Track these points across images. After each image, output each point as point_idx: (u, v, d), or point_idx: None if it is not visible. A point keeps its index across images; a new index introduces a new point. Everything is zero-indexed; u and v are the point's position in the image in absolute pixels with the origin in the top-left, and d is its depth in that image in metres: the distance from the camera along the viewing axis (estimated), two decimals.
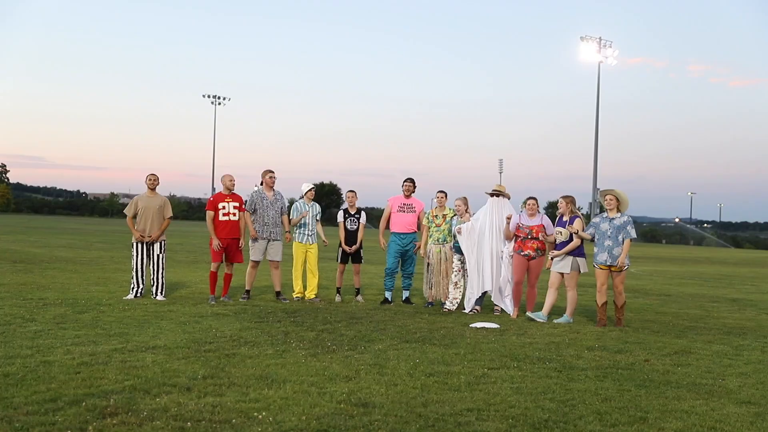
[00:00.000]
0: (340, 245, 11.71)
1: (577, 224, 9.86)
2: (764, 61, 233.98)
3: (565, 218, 10.02)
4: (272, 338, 7.72)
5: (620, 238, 9.57)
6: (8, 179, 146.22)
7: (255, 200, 11.14)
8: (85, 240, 30.09)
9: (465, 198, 10.92)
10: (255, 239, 11.07)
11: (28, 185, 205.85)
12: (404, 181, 11.73)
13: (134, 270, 10.69)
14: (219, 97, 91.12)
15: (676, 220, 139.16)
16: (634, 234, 9.67)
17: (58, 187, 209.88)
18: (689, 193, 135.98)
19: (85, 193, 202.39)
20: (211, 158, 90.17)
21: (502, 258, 10.56)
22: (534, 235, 10.23)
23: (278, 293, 11.24)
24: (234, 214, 10.82)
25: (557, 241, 9.97)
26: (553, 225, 10.12)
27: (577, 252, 9.92)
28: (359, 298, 11.61)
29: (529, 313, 10.04)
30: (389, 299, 11.44)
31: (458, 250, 10.82)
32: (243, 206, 10.97)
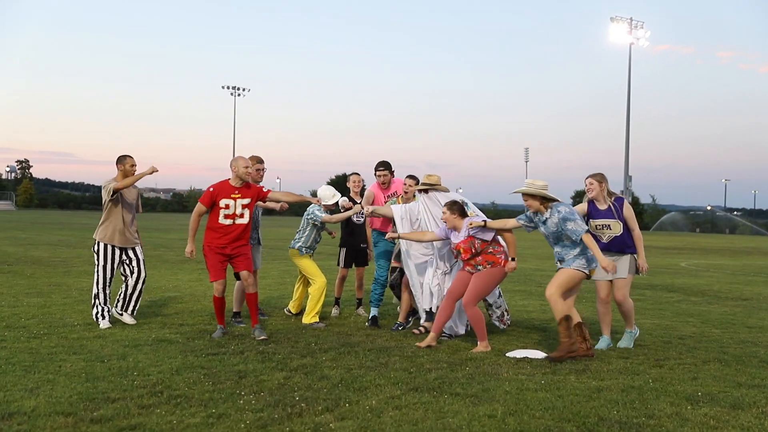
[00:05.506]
0: (341, 245, 9.10)
1: (627, 212, 7.07)
2: None
3: (602, 205, 7.09)
4: (215, 386, 5.20)
5: (565, 239, 6.66)
6: (31, 174, 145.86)
7: None
8: (81, 236, 27.82)
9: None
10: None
11: (57, 181, 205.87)
12: (377, 168, 8.63)
13: (100, 284, 7.67)
14: (238, 89, 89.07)
15: (708, 207, 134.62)
16: (581, 227, 6.51)
17: (86, 183, 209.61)
18: (723, 180, 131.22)
19: None
20: (231, 151, 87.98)
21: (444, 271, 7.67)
22: (464, 255, 7.08)
23: (236, 314, 8.27)
24: (241, 216, 7.27)
25: (607, 239, 7.04)
26: (583, 217, 7.09)
27: (631, 244, 7.08)
28: (360, 310, 9.06)
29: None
30: (377, 319, 8.30)
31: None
32: (254, 203, 7.44)
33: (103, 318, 7.62)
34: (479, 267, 7.03)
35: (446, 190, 7.73)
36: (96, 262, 7.74)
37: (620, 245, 7.04)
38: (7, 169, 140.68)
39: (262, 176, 8.14)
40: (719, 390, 5.44)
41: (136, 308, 7.96)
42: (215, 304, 7.33)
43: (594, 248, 6.46)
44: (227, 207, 7.19)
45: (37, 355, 6.07)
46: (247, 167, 7.26)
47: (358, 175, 9.16)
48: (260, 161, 8.25)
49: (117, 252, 7.73)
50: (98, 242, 7.74)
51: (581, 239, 6.50)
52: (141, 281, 7.91)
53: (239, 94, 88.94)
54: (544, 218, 6.72)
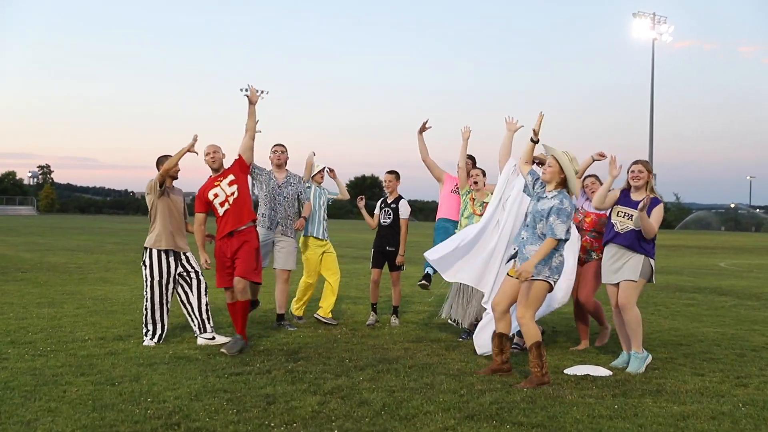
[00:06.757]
0: (372, 246, 8.48)
1: (657, 214, 6.09)
2: None
3: (637, 196, 6.16)
4: (240, 415, 4.52)
5: (539, 231, 5.61)
6: (53, 179, 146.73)
7: (258, 176, 7.92)
8: (99, 240, 27.35)
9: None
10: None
11: (79, 186, 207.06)
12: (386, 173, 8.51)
13: (155, 299, 6.83)
14: (257, 91, 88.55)
15: (732, 205, 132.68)
16: (560, 232, 5.50)
17: (107, 187, 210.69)
18: (748, 177, 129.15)
19: (132, 192, 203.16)
20: None
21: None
22: (589, 226, 6.76)
23: (280, 317, 8.04)
24: (233, 194, 6.74)
25: (621, 230, 6.13)
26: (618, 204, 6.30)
27: (650, 247, 6.14)
28: (394, 320, 8.34)
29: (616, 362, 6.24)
30: (431, 275, 7.87)
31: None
32: (244, 176, 6.97)
33: (151, 338, 6.82)
34: (592, 253, 6.81)
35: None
36: (146, 276, 6.85)
37: (632, 240, 6.07)
38: (29, 174, 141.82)
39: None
40: None
41: (211, 319, 7.02)
42: (230, 312, 6.83)
43: (538, 256, 5.45)
44: (217, 196, 6.79)
45: (41, 377, 5.41)
46: (207, 154, 6.91)
47: (392, 173, 8.46)
48: (280, 145, 8.17)
49: (171, 260, 6.87)
50: (147, 250, 6.89)
51: (546, 240, 5.49)
52: (204, 291, 7.01)
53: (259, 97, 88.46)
54: (545, 195, 5.67)
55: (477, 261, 6.77)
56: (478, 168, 7.69)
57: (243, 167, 6.92)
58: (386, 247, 8.28)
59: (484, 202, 7.49)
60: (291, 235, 7.96)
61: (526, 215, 5.82)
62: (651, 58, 62.40)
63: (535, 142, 6.05)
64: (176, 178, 7.11)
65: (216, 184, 6.81)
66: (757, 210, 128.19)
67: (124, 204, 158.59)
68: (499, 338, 5.84)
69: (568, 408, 4.80)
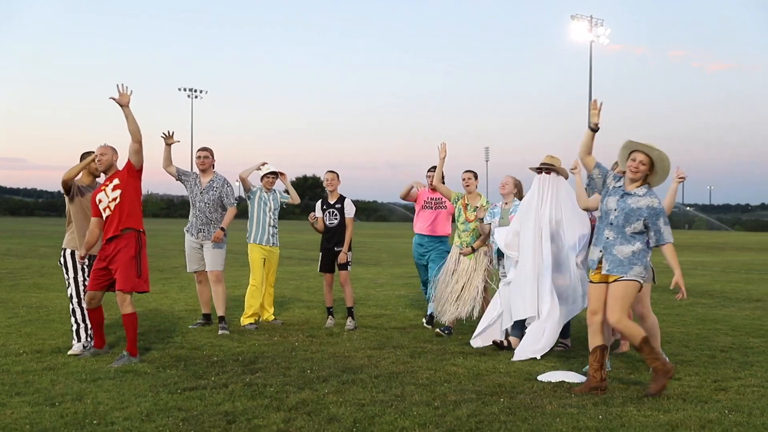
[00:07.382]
0: (320, 249, 8.27)
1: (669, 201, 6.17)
2: (742, 45, 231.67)
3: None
4: None
5: (629, 230, 5.27)
6: None
7: (186, 180, 7.95)
8: (31, 244, 26.13)
9: (512, 178, 7.39)
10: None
11: (8, 187, 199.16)
12: (429, 170, 8.31)
13: (74, 298, 6.60)
14: (195, 90, 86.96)
15: None
16: (670, 235, 5.33)
17: (38, 188, 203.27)
18: None
19: None
20: (189, 154, 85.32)
21: (569, 267, 6.68)
22: None
23: (221, 319, 7.68)
24: (114, 200, 6.23)
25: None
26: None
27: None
28: (350, 323, 8.01)
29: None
30: (434, 315, 7.95)
31: (501, 254, 7.22)
32: (133, 180, 6.34)
33: (78, 339, 6.49)
34: None
35: (566, 175, 6.80)
36: (66, 274, 6.65)
37: None
38: None
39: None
40: None
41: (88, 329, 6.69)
42: (89, 317, 6.35)
43: (675, 262, 5.27)
44: (101, 201, 6.28)
45: None
46: (94, 158, 6.49)
47: (333, 173, 8.27)
48: (204, 149, 7.97)
49: (86, 259, 6.54)
50: (64, 250, 6.70)
51: (662, 248, 5.29)
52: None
53: (196, 96, 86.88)
54: (633, 192, 5.30)
55: (520, 294, 6.71)
56: (470, 171, 7.78)
57: (131, 172, 6.33)
58: (335, 247, 8.11)
59: (476, 207, 7.62)
60: (212, 227, 7.81)
61: (605, 213, 5.40)
62: (589, 60, 63.47)
63: (594, 130, 5.56)
64: (98, 176, 6.81)
65: (102, 188, 6.34)
66: (688, 208, 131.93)
67: (57, 205, 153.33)
68: (601, 352, 5.36)
69: (550, 419, 4.52)
